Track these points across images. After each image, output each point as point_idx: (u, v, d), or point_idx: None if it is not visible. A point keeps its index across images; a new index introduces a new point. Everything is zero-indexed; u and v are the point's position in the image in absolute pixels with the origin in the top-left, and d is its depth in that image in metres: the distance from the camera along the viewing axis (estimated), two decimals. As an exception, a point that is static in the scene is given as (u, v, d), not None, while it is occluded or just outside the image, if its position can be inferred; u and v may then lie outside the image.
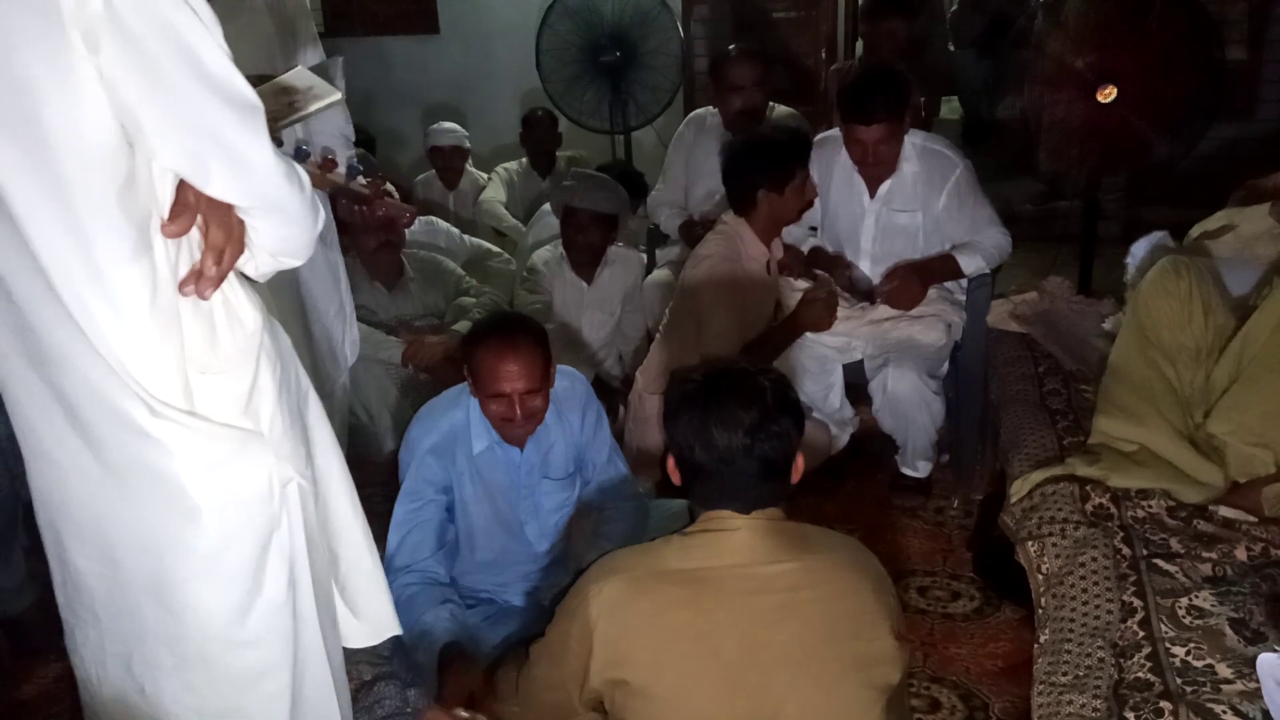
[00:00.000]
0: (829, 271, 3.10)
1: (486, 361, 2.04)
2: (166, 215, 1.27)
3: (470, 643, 2.03)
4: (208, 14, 1.19)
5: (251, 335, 1.39)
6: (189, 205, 1.28)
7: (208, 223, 1.30)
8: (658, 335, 3.19)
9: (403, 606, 1.93)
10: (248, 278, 1.42)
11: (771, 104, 3.75)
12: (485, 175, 4.91)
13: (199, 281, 1.30)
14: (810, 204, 3.03)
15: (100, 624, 1.47)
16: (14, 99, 1.15)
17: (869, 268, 3.10)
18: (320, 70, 1.70)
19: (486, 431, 2.17)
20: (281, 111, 1.62)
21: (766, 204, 2.92)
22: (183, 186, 1.27)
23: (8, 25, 1.12)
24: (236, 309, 1.38)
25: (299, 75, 1.74)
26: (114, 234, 1.23)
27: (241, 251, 1.34)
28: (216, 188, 1.26)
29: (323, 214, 1.40)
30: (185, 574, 1.39)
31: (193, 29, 1.17)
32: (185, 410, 1.33)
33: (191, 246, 1.32)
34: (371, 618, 1.71)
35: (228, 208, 1.30)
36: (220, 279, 1.32)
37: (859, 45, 5.41)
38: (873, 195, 3.05)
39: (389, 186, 2.45)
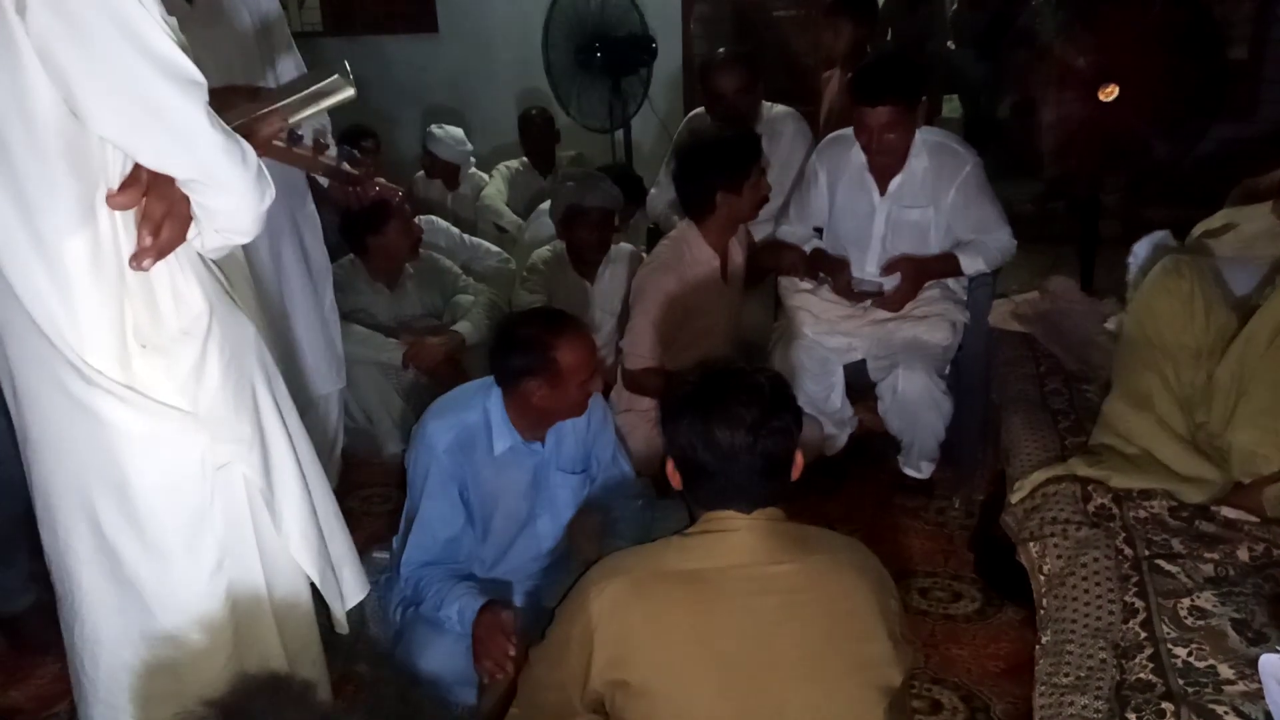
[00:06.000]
0: (831, 274, 3.09)
1: (574, 351, 2.11)
2: (115, 187, 1.29)
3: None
4: None
5: (198, 317, 1.41)
6: (139, 180, 1.30)
7: (149, 195, 1.31)
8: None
9: (434, 593, 2.09)
10: (213, 268, 1.45)
11: (770, 104, 3.73)
12: (486, 175, 4.89)
13: (137, 253, 1.32)
14: (765, 200, 2.96)
15: (78, 584, 1.50)
16: None
17: (878, 266, 3.06)
18: (327, 72, 1.75)
19: (509, 432, 2.18)
20: (295, 106, 1.68)
21: (725, 206, 2.87)
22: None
23: None
24: (182, 290, 1.40)
25: (309, 77, 1.83)
26: (58, 202, 1.26)
27: (185, 226, 1.36)
28: (149, 158, 1.29)
29: (271, 192, 1.41)
30: (126, 548, 1.43)
31: (127, 3, 1.19)
32: (121, 383, 1.35)
33: (136, 221, 1.34)
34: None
35: (170, 181, 1.32)
36: (160, 251, 1.34)
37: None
38: (883, 192, 3.02)
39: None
